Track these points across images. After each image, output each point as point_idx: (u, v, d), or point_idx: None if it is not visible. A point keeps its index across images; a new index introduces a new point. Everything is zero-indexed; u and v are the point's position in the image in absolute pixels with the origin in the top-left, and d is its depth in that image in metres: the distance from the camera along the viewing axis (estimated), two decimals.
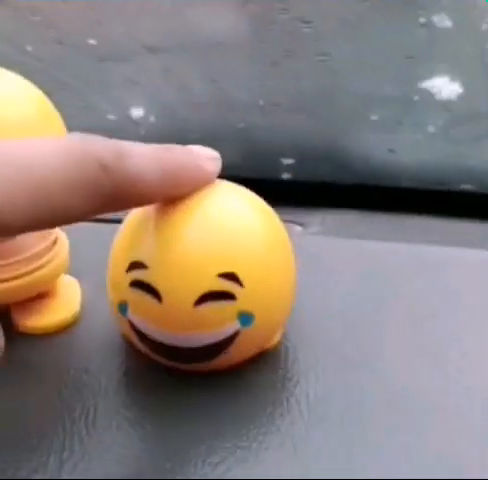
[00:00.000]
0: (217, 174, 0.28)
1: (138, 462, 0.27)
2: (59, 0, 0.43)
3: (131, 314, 0.29)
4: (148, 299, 0.28)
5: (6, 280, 0.32)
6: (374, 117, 0.44)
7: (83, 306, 0.34)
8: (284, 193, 0.43)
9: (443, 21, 0.41)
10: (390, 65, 0.43)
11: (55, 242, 0.34)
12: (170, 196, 0.27)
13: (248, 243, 0.28)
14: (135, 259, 0.28)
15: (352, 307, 0.34)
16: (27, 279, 0.32)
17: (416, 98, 0.43)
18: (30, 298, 0.33)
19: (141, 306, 0.28)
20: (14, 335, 0.33)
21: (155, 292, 0.27)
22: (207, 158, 0.28)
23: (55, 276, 0.34)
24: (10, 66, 0.32)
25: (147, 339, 0.29)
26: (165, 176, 0.26)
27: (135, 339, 0.30)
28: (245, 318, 0.28)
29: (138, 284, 0.28)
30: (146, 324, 0.28)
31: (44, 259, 0.33)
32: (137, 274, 0.28)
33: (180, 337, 0.28)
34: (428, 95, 0.43)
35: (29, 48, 0.43)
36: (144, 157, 0.24)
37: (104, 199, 0.23)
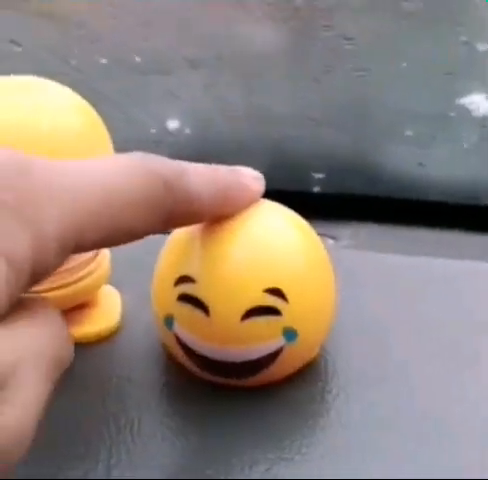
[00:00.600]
0: (261, 194, 0.29)
1: (182, 471, 0.28)
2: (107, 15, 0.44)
3: (177, 328, 0.29)
4: (196, 313, 0.28)
5: (51, 289, 0.33)
6: (408, 132, 0.44)
7: (123, 316, 0.35)
8: (315, 206, 0.43)
9: (484, 39, 0.42)
10: (428, 81, 0.44)
11: (97, 253, 0.34)
12: (219, 214, 0.28)
13: (292, 260, 0.29)
14: (183, 273, 0.29)
15: (386, 320, 0.35)
16: (71, 289, 0.33)
17: (452, 114, 0.44)
18: (73, 307, 0.34)
19: (188, 320, 0.29)
20: None
21: (203, 306, 0.28)
22: (253, 178, 0.29)
23: (97, 286, 0.34)
24: (52, 77, 0.32)
25: (192, 353, 0.30)
26: (217, 195, 0.26)
27: (179, 353, 0.30)
28: (290, 334, 0.29)
29: (186, 298, 0.29)
30: (193, 338, 0.29)
31: (87, 270, 0.34)
32: (185, 288, 0.29)
33: (226, 351, 0.29)
34: (465, 111, 0.43)
35: (73, 61, 0.44)
36: (200, 176, 0.25)
37: (165, 217, 0.24)
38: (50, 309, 0.21)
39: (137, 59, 0.44)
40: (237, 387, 0.30)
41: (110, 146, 0.33)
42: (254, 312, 0.28)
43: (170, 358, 0.32)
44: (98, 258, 0.34)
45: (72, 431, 0.29)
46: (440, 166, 0.45)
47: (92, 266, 0.34)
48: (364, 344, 0.33)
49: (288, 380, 0.31)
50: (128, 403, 0.30)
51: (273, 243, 0.29)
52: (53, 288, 0.33)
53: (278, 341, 0.28)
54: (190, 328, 0.29)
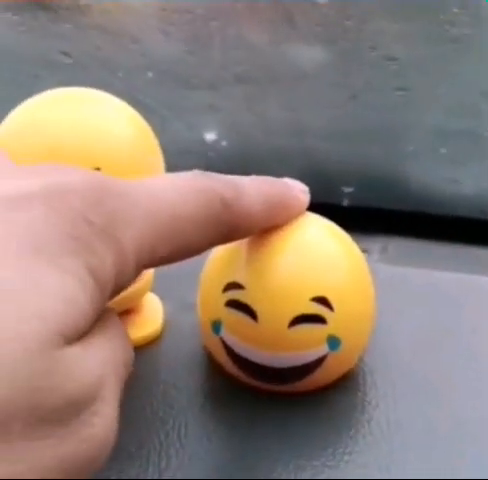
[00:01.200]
0: (307, 205, 0.30)
1: (228, 475, 0.29)
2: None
3: (225, 333, 0.30)
4: (244, 318, 0.29)
5: None
6: (443, 150, 0.45)
7: (165, 323, 0.36)
8: (345, 219, 0.44)
9: None
10: (465, 101, 0.45)
11: None
12: (269, 225, 0.29)
13: (337, 269, 0.30)
14: (232, 280, 0.30)
15: (420, 333, 0.35)
16: (118, 296, 0.34)
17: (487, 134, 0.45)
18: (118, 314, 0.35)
19: (236, 325, 0.30)
20: None
21: (251, 312, 0.29)
22: (300, 190, 0.30)
23: (142, 294, 0.35)
24: (99, 88, 0.33)
25: (238, 358, 0.30)
26: (271, 207, 0.27)
27: (224, 358, 0.31)
28: (333, 342, 0.29)
29: (234, 304, 0.30)
30: (240, 343, 0.30)
31: None
32: (234, 294, 0.30)
33: (272, 357, 0.30)
34: None
35: (120, 73, 0.45)
36: (254, 191, 0.26)
37: (224, 232, 0.25)
38: (116, 318, 0.23)
39: (183, 73, 0.46)
40: (280, 393, 0.31)
41: (161, 157, 0.34)
42: (300, 319, 0.29)
43: (213, 364, 0.33)
44: None
45: (123, 435, 0.30)
46: (473, 183, 0.46)
47: None
48: (400, 356, 0.34)
49: (329, 390, 0.32)
50: (175, 408, 0.31)
51: (319, 253, 0.30)
52: None
53: (322, 349, 0.29)
54: (238, 333, 0.30)
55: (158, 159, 0.33)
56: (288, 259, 0.29)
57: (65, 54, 0.47)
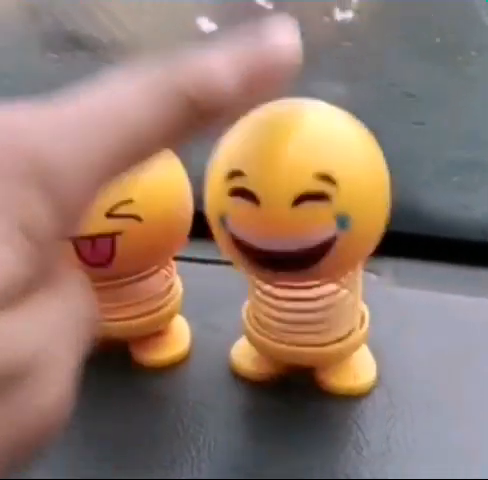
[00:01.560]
0: (297, 56, 0.24)
1: None
2: None
3: (231, 225, 0.29)
4: (248, 205, 0.28)
5: (132, 317, 0.36)
6: (456, 178, 0.47)
7: (191, 343, 0.38)
8: None
9: None
10: (477, 134, 0.47)
11: (171, 286, 0.37)
12: (254, 99, 0.24)
13: (340, 145, 0.29)
14: (234, 168, 0.29)
15: (434, 355, 0.37)
16: (149, 318, 0.36)
17: None
18: (147, 335, 0.37)
19: (241, 214, 0.29)
20: (132, 368, 0.37)
21: (254, 197, 0.28)
22: (286, 46, 0.23)
23: (171, 316, 0.37)
24: None
25: (248, 249, 0.29)
26: (248, 82, 0.22)
27: (235, 253, 0.30)
28: (342, 220, 0.28)
29: (238, 192, 0.29)
30: (246, 231, 0.29)
31: (163, 301, 0.37)
32: (236, 182, 0.29)
33: (280, 240, 0.29)
34: None
35: None
36: (226, 67, 0.22)
37: (193, 129, 0.21)
38: (73, 274, 0.20)
39: None
40: (298, 280, 0.31)
41: (187, 185, 0.35)
42: (304, 198, 0.28)
43: (239, 381, 0.35)
44: (172, 291, 0.37)
45: (157, 450, 0.32)
46: (484, 209, 0.48)
47: (167, 298, 0.37)
48: (415, 377, 0.36)
49: (349, 409, 0.34)
50: (204, 425, 0.33)
51: (322, 128, 0.29)
52: (132, 316, 0.36)
53: (331, 228, 0.28)
54: (244, 222, 0.29)
55: (185, 187, 0.35)
56: (288, 137, 0.28)
57: None
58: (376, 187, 0.29)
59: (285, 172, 0.28)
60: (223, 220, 0.30)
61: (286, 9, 0.48)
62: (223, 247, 0.31)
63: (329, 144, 0.28)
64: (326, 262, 0.29)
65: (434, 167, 0.47)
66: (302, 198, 0.28)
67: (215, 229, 0.31)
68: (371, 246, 0.31)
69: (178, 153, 0.35)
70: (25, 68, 0.53)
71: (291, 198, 0.28)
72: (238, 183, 0.29)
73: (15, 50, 0.53)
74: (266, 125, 0.29)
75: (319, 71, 0.46)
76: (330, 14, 0.46)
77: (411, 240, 0.48)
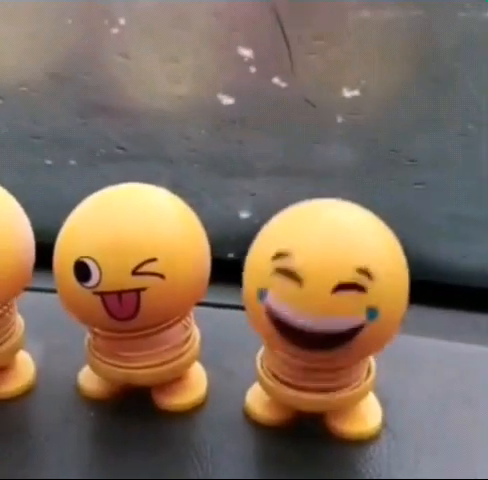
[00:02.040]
0: None
1: None
2: None
3: (271, 298, 0.32)
4: (290, 284, 0.31)
5: (154, 366, 0.38)
6: (455, 232, 0.50)
7: (208, 388, 0.40)
8: None
9: None
10: (477, 192, 0.50)
11: (190, 335, 0.40)
12: None
13: (379, 244, 0.33)
14: (281, 249, 0.32)
15: (438, 401, 0.40)
16: (171, 365, 0.38)
17: None
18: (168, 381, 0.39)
19: (283, 290, 0.32)
20: (154, 411, 0.39)
21: (298, 278, 0.31)
22: None
23: (191, 363, 0.40)
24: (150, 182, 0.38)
25: (281, 324, 0.32)
26: None
27: (266, 326, 0.33)
28: (372, 312, 0.32)
29: (282, 271, 0.32)
30: (285, 307, 0.32)
31: (181, 350, 0.39)
32: (282, 262, 0.32)
33: (314, 321, 0.32)
34: None
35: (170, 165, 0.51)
36: None
37: None
38: None
39: (226, 163, 0.51)
40: (318, 361, 0.34)
41: (206, 242, 0.38)
42: (343, 287, 0.31)
43: (252, 426, 0.38)
44: (190, 340, 0.40)
45: None
46: (481, 258, 0.51)
47: (186, 346, 0.39)
48: (419, 422, 0.38)
49: (358, 454, 0.36)
50: (222, 467, 0.35)
51: (361, 225, 0.33)
52: (154, 365, 0.38)
53: (361, 317, 0.32)
54: (284, 298, 0.32)
55: (204, 244, 0.38)
56: (333, 230, 0.32)
57: (121, 148, 0.53)
58: (402, 281, 0.33)
59: (331, 261, 0.31)
60: (262, 294, 0.33)
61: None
62: (254, 318, 0.34)
63: (368, 241, 0.32)
64: (348, 347, 0.32)
65: (435, 222, 0.50)
66: (342, 286, 0.31)
67: (251, 300, 0.34)
68: (393, 334, 0.34)
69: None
70: (55, 130, 0.56)
71: (332, 285, 0.31)
72: (285, 263, 0.32)
73: (45, 115, 0.57)
74: (313, 215, 0.33)
75: (326, 133, 0.49)
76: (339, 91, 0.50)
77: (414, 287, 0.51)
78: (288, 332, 0.32)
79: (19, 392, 0.41)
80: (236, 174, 0.48)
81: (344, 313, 0.31)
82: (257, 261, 0.34)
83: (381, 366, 0.38)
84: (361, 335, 0.32)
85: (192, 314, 0.40)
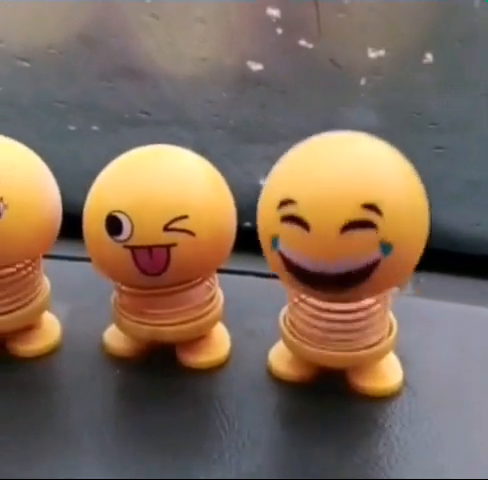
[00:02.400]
0: None
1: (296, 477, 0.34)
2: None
3: (282, 246, 0.32)
4: (298, 230, 0.31)
5: (180, 323, 0.39)
6: (473, 198, 0.51)
7: (231, 347, 0.41)
8: None
9: None
10: None
11: (214, 295, 0.41)
12: None
13: (387, 176, 0.31)
14: (286, 196, 0.32)
15: (455, 362, 0.41)
16: (195, 323, 0.39)
17: None
18: (193, 339, 0.40)
19: (292, 238, 0.32)
20: (178, 369, 0.40)
21: (304, 223, 0.31)
22: None
23: (214, 322, 0.41)
24: (173, 143, 0.39)
25: (296, 268, 0.32)
26: None
27: (283, 272, 0.33)
28: (386, 247, 0.31)
29: (289, 218, 0.32)
30: (296, 253, 0.32)
31: (207, 308, 0.40)
32: (288, 209, 0.31)
33: (327, 263, 0.31)
34: None
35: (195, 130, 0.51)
36: None
37: None
38: None
39: (246, 128, 0.51)
40: (341, 299, 0.35)
41: (232, 202, 0.39)
42: (352, 226, 0.30)
43: (275, 382, 0.39)
44: (214, 300, 0.40)
45: (208, 444, 0.35)
46: None
47: (210, 306, 0.40)
48: (438, 380, 0.39)
49: (378, 410, 0.37)
50: (247, 422, 0.36)
51: (368, 160, 0.32)
52: (179, 322, 0.39)
53: (375, 253, 0.31)
54: (294, 245, 0.32)
55: (231, 204, 0.39)
56: (337, 168, 0.31)
57: (145, 113, 0.53)
58: (417, 215, 0.32)
59: (335, 201, 0.30)
60: (275, 242, 0.33)
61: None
62: (273, 265, 0.34)
63: (376, 175, 0.31)
64: (369, 283, 0.32)
65: (451, 188, 0.51)
66: (349, 226, 0.30)
67: (266, 249, 0.34)
68: (410, 270, 0.34)
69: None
70: (80, 95, 0.57)
71: (339, 225, 0.30)
72: (289, 210, 0.31)
73: (72, 78, 0.57)
74: (317, 155, 0.32)
75: (350, 99, 0.50)
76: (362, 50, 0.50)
77: (429, 255, 0.51)
78: (305, 277, 0.32)
79: (46, 350, 0.42)
80: (258, 140, 0.49)
81: (357, 252, 0.31)
82: (265, 210, 0.33)
83: (401, 328, 0.39)
84: (378, 271, 0.32)
85: (216, 277, 0.41)
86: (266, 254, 0.34)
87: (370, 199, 0.30)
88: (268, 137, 0.51)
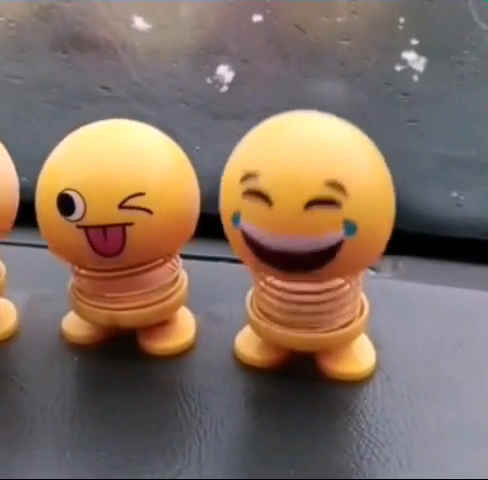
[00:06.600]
0: None
1: (267, 470, 0.32)
2: None
3: (243, 222, 0.31)
4: (260, 205, 0.30)
5: (140, 307, 0.37)
6: (449, 176, 0.49)
7: (196, 333, 0.39)
8: None
9: None
10: (470, 132, 0.49)
11: (177, 278, 0.39)
12: None
13: (351, 154, 0.31)
14: (248, 169, 0.31)
15: (432, 344, 0.39)
16: (156, 308, 0.37)
17: None
18: (154, 324, 0.38)
19: (253, 213, 0.31)
20: (139, 356, 0.38)
21: (267, 198, 0.30)
22: None
23: (177, 306, 0.39)
24: (137, 119, 0.37)
25: (258, 247, 0.31)
26: None
27: (245, 251, 0.32)
28: (349, 227, 0.30)
29: (251, 193, 0.31)
30: (257, 229, 0.31)
31: (169, 291, 0.38)
32: (250, 183, 0.30)
33: (288, 240, 0.30)
34: None
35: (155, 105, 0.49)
36: None
37: None
38: None
39: (215, 106, 0.50)
40: (304, 280, 0.33)
41: (195, 182, 0.37)
42: (315, 203, 0.29)
43: (243, 368, 0.37)
44: (178, 283, 0.38)
45: (166, 434, 0.33)
46: (476, 207, 0.50)
47: (173, 289, 0.38)
48: (414, 364, 0.37)
49: (351, 395, 0.35)
50: (211, 409, 0.35)
51: (332, 138, 0.31)
52: (139, 306, 0.37)
53: (338, 233, 0.30)
54: (255, 220, 0.31)
55: (194, 184, 0.37)
56: (301, 145, 0.30)
57: (105, 88, 0.51)
58: (382, 195, 0.31)
59: (298, 177, 0.30)
60: (236, 218, 0.31)
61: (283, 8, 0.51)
62: (234, 244, 0.33)
63: (340, 153, 0.30)
64: (332, 265, 0.31)
65: (428, 165, 0.49)
66: (313, 202, 0.29)
67: (227, 226, 0.33)
68: (377, 252, 0.33)
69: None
70: (35, 68, 0.54)
71: (303, 202, 0.29)
72: (252, 184, 0.30)
73: (25, 50, 0.55)
74: (281, 131, 0.31)
75: (321, 69, 0.48)
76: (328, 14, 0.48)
77: (405, 238, 0.50)
78: (266, 255, 0.31)
79: (0, 338, 0.39)
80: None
81: (319, 230, 0.30)
82: (228, 185, 0.32)
83: (376, 311, 0.37)
84: (343, 252, 0.31)
85: (180, 260, 0.39)
86: (228, 232, 0.33)
87: (335, 177, 0.30)
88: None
